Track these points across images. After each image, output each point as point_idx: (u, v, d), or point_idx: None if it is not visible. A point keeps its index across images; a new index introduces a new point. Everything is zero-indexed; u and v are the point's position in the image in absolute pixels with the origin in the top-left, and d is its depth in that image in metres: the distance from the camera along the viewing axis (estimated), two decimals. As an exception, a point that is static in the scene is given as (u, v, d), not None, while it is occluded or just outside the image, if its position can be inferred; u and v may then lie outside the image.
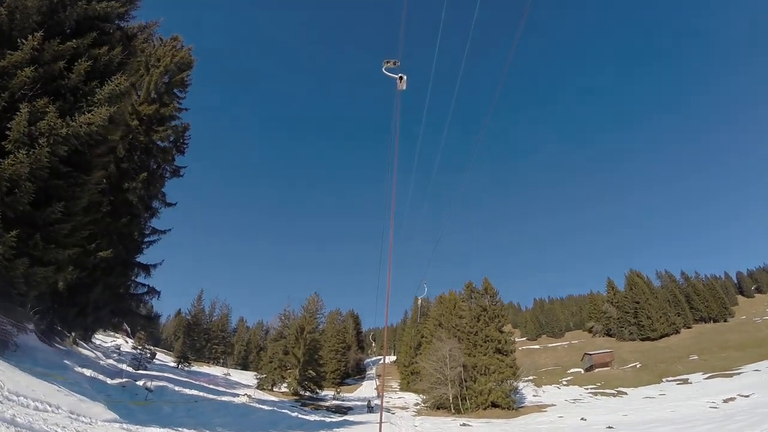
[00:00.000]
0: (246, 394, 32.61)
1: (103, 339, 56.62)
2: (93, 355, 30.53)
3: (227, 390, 37.25)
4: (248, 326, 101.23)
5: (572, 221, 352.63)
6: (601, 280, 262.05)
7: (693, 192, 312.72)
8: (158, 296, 27.33)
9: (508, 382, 43.59)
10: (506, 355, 45.96)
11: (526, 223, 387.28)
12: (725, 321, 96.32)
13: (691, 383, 53.04)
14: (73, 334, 24.21)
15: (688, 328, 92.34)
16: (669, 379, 58.32)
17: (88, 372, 17.25)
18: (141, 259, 25.93)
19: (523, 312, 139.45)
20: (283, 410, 29.91)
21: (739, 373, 52.85)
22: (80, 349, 28.66)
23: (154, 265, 29.19)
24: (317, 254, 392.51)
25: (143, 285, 26.37)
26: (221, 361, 78.27)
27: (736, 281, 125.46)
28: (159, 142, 24.21)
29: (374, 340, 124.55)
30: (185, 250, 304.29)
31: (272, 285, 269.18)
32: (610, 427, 25.30)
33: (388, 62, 8.00)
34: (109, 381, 18.49)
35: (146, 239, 26.39)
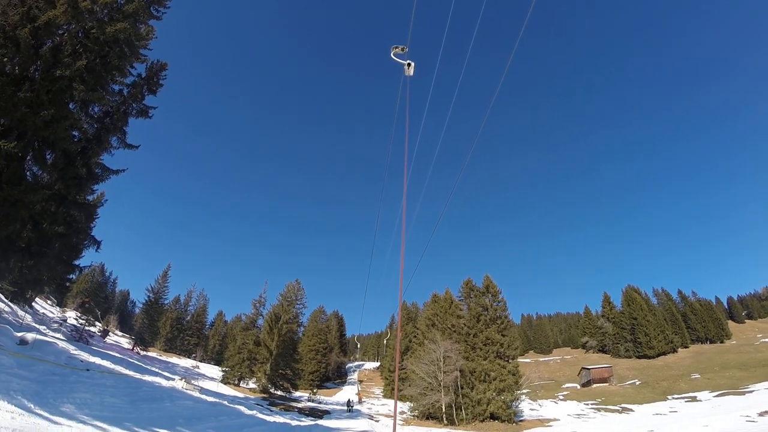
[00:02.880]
0: (185, 379, 26.70)
1: (51, 310, 50.52)
2: (6, 308, 24.86)
3: (164, 373, 31.32)
4: (226, 320, 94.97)
5: (557, 241, 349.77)
6: (587, 298, 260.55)
7: (683, 215, 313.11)
8: (97, 247, 23.22)
9: (510, 391, 38.45)
10: (508, 360, 40.96)
11: (510, 239, 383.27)
12: (722, 342, 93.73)
13: (701, 401, 48.78)
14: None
15: (686, 347, 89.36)
16: (675, 396, 53.94)
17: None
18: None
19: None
20: (235, 406, 24.12)
21: (751, 392, 49.05)
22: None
23: (95, 205, 24.30)
24: (307, 256, 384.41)
25: (75, 225, 21.09)
26: (194, 354, 71.66)
27: (726, 306, 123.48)
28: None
29: (358, 342, 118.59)
30: (167, 244, 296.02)
31: (256, 282, 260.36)
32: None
33: (396, 48, 7.74)
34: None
35: (96, 174, 21.75)
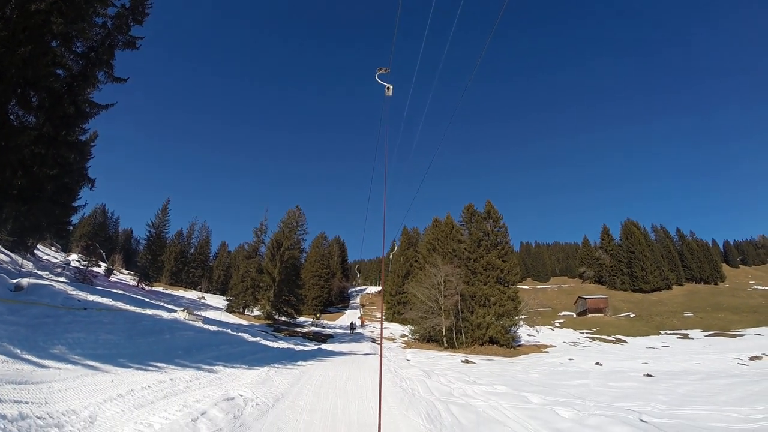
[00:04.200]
0: (187, 310, 26.80)
1: (55, 256, 50.73)
2: (4, 258, 24.49)
3: (168, 306, 31.56)
4: (230, 251, 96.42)
5: (557, 170, 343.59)
6: (586, 229, 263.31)
7: (687, 153, 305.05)
8: (92, 186, 22.77)
9: (509, 316, 39.20)
10: (507, 286, 41.28)
11: (511, 165, 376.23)
12: (715, 284, 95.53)
13: (692, 339, 50.34)
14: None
15: (680, 285, 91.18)
16: (668, 332, 55.71)
17: None
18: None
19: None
20: (238, 334, 24.10)
21: (742, 336, 50.50)
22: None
23: (87, 143, 23.33)
24: (307, 183, 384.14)
25: (68, 167, 20.54)
26: (200, 286, 73.41)
27: (722, 250, 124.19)
28: None
29: (359, 272, 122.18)
30: (165, 177, 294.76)
31: (257, 211, 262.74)
32: (648, 375, 20.80)
33: (380, 69, 8.25)
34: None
35: (85, 112, 20.95)
